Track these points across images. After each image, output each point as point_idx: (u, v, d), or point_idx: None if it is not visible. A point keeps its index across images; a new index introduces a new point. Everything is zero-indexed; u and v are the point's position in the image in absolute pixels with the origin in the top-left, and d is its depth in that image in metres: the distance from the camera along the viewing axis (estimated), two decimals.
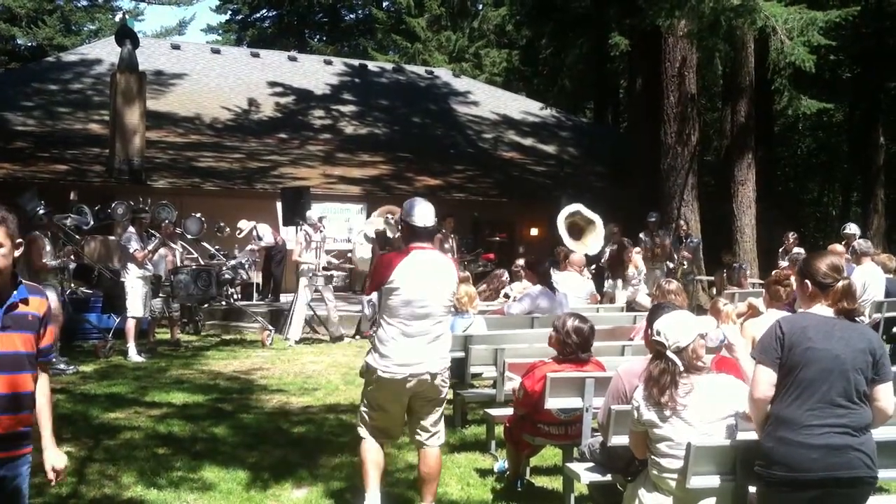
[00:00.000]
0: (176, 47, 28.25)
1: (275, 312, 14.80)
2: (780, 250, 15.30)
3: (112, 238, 15.42)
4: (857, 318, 3.95)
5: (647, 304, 8.64)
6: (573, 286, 10.33)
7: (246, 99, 25.05)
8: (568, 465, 5.65)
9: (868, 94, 27.44)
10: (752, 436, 4.05)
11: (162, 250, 12.29)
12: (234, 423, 8.00)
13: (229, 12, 49.06)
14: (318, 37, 48.39)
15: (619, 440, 4.79)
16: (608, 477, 5.16)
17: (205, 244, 14.43)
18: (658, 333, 4.29)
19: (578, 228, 14.37)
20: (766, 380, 3.88)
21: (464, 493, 6.11)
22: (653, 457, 4.23)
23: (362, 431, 5.36)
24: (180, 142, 21.66)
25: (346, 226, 18.87)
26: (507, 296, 11.57)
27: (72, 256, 11.48)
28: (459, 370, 7.33)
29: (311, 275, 13.34)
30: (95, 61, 24.82)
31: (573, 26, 25.31)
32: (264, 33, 46.64)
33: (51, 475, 3.78)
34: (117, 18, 41.87)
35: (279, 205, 16.34)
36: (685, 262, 15.34)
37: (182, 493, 5.90)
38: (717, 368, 4.67)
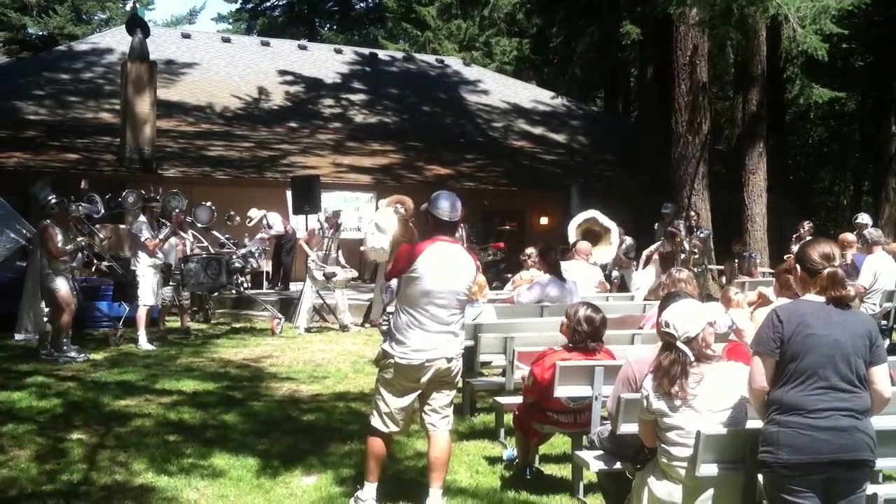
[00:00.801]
0: (186, 36, 28.28)
1: (284, 301, 14.84)
2: (794, 237, 15.24)
3: (123, 227, 15.46)
4: (849, 305, 3.94)
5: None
6: (581, 274, 10.29)
7: (256, 88, 25.07)
8: (577, 453, 5.65)
9: (881, 83, 27.25)
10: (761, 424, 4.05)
11: (172, 239, 12.32)
12: (244, 411, 8.03)
13: (240, 1, 49.04)
14: (328, 25, 48.36)
15: (628, 428, 4.79)
16: (617, 465, 5.16)
17: (215, 233, 14.45)
18: (667, 324, 4.28)
19: (594, 234, 14.30)
20: (763, 371, 3.90)
21: (473, 481, 6.12)
22: (662, 445, 4.23)
23: (374, 420, 5.38)
24: (191, 131, 21.69)
25: (356, 215, 18.87)
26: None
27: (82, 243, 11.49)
28: (469, 358, 7.32)
29: (317, 268, 13.39)
30: (106, 50, 24.87)
31: (584, 15, 25.15)
32: (274, 22, 46.63)
33: None
34: (128, 7, 41.97)
35: (289, 194, 16.37)
36: (696, 252, 15.29)
37: (192, 480, 5.93)
38: (728, 356, 4.66)
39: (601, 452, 5.34)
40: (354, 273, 14.08)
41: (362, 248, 13.80)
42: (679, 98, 18.29)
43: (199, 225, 14.19)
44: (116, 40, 24.75)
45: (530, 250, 11.82)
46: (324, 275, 13.38)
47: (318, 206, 15.04)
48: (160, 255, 11.97)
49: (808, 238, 14.00)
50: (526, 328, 8.01)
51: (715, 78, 26.32)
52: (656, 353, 4.51)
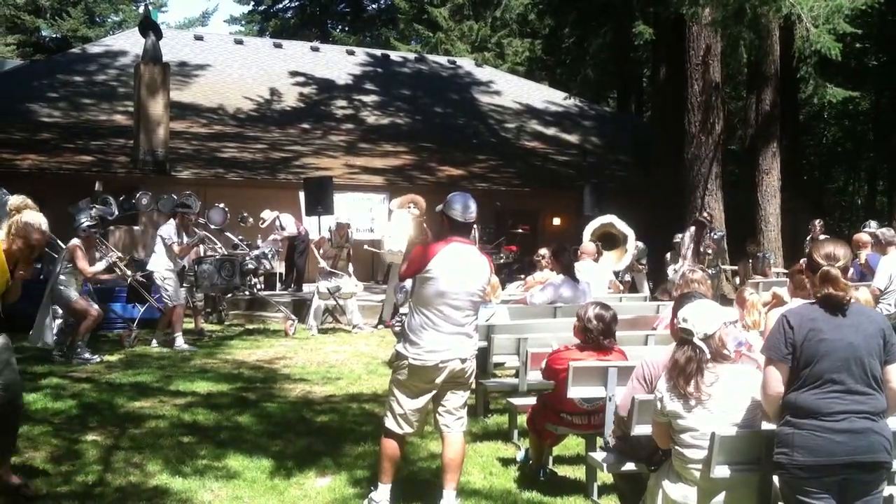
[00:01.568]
0: (199, 38, 28.38)
1: (297, 302, 14.87)
2: (808, 239, 15.17)
3: (136, 228, 15.53)
4: (843, 305, 3.91)
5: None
6: (592, 275, 10.27)
7: (268, 89, 25.13)
8: (591, 454, 5.65)
9: (895, 82, 27.14)
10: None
11: (165, 226, 12.18)
12: (257, 412, 8.04)
13: (252, 3, 49.19)
14: (340, 27, 48.46)
15: (642, 430, 4.78)
16: (631, 466, 5.15)
17: (228, 234, 14.49)
18: (684, 321, 4.27)
19: (611, 237, 14.25)
20: (775, 377, 3.89)
21: (486, 483, 6.11)
22: (676, 447, 4.22)
23: (388, 421, 5.38)
24: (204, 132, 21.76)
25: (368, 216, 18.89)
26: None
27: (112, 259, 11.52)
28: (482, 360, 7.31)
29: (323, 278, 13.44)
30: (120, 52, 24.97)
31: (596, 15, 25.17)
32: (287, 24, 46.76)
33: None
34: (141, 10, 42.13)
35: (302, 195, 16.40)
36: (710, 253, 15.24)
37: (207, 481, 5.94)
38: (739, 357, 4.65)
39: (615, 454, 5.34)
40: (360, 287, 14.04)
41: (377, 251, 13.85)
42: (692, 98, 18.22)
43: (212, 226, 14.23)
44: (130, 42, 24.85)
45: (543, 251, 11.81)
46: (327, 290, 13.37)
47: (331, 207, 15.07)
48: (182, 260, 12.04)
49: (821, 237, 13.98)
50: (539, 329, 8.00)
51: (728, 78, 26.24)
52: (671, 353, 4.51)
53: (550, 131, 26.92)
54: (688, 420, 4.14)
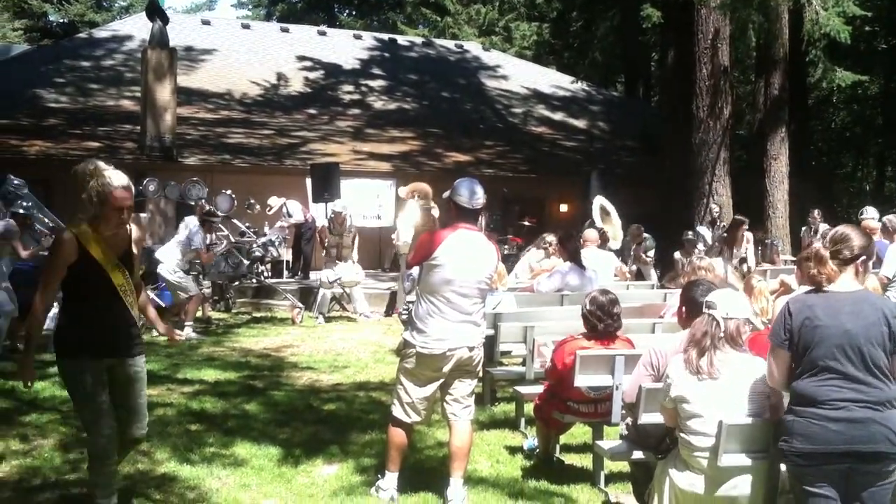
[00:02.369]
0: (206, 23, 28.33)
1: (305, 290, 14.87)
2: (804, 229, 15.07)
3: (144, 215, 15.53)
4: (856, 285, 3.90)
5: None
6: (597, 262, 10.23)
7: (275, 74, 25.09)
8: (598, 442, 5.65)
9: None
10: None
11: (194, 227, 12.20)
12: (265, 400, 8.06)
13: None
14: (347, 11, 48.27)
15: (649, 418, 4.78)
16: (639, 454, 5.15)
17: (235, 221, 14.50)
18: (711, 299, 4.34)
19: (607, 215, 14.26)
20: (777, 362, 3.93)
21: (493, 471, 6.12)
22: (682, 435, 4.22)
23: (395, 410, 5.38)
24: (210, 118, 21.74)
25: (376, 202, 18.89)
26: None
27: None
28: (489, 348, 7.31)
29: (325, 266, 13.45)
30: (127, 37, 24.94)
31: None
32: (294, 8, 46.61)
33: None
34: None
35: (308, 181, 16.37)
36: (718, 245, 15.19)
37: (214, 469, 5.96)
38: (749, 346, 4.64)
39: (622, 442, 5.34)
40: (362, 275, 14.01)
41: (394, 240, 13.84)
42: (700, 82, 18.12)
43: (219, 213, 14.23)
44: (137, 27, 24.81)
45: (550, 238, 11.76)
46: (328, 280, 13.37)
47: (338, 193, 15.05)
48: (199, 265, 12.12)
49: (822, 226, 13.88)
50: (546, 317, 7.99)
51: (736, 62, 26.12)
52: (679, 342, 4.51)
53: (558, 116, 26.84)
54: (693, 405, 4.14)
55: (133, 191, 4.71)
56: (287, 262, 17.56)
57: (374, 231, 18.37)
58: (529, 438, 6.60)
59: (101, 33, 26.35)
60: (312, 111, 23.61)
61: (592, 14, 26.55)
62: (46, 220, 11.95)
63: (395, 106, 25.24)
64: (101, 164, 4.62)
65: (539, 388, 6.56)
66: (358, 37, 29.89)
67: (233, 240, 13.90)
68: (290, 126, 22.22)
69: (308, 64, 26.25)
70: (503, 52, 33.24)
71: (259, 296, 14.85)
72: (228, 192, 14.13)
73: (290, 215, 17.11)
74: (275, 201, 16.96)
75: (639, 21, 23.84)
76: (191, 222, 12.05)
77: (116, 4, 44.42)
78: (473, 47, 31.43)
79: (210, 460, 6.16)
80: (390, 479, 5.38)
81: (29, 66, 22.79)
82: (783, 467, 4.12)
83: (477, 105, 26.54)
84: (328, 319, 13.30)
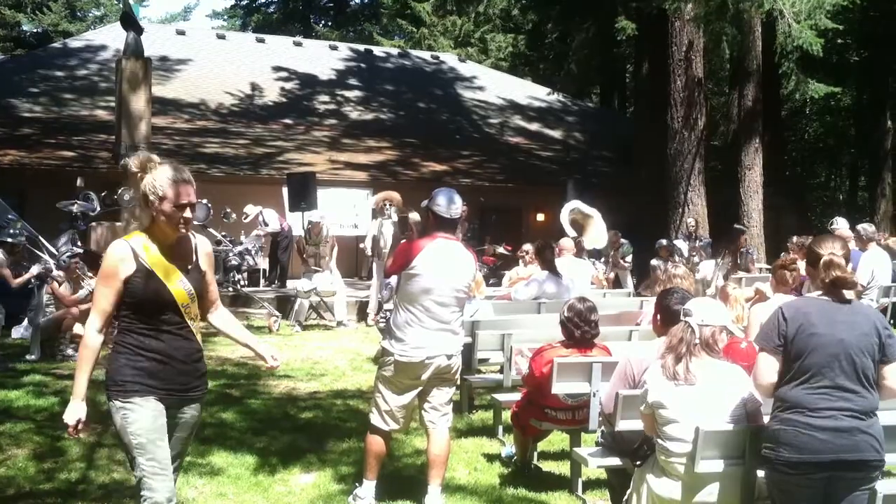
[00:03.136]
0: (181, 33, 28.25)
1: (281, 298, 14.82)
2: (728, 252, 14.86)
3: (119, 224, 15.41)
4: (850, 290, 3.95)
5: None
6: (573, 271, 10.28)
7: (251, 84, 25.03)
8: (575, 449, 5.67)
9: (876, 78, 27.31)
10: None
11: None
12: (242, 409, 8.02)
13: None
14: (323, 22, 48.30)
15: (627, 425, 4.80)
16: (616, 461, 5.17)
17: (211, 230, 14.42)
18: (688, 307, 4.35)
19: (579, 225, 14.32)
20: (767, 367, 3.92)
21: (471, 478, 6.12)
22: (660, 441, 4.24)
23: (374, 418, 5.37)
24: (186, 128, 21.66)
25: (353, 211, 18.86)
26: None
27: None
28: (466, 356, 7.31)
29: (304, 275, 13.42)
30: (101, 47, 24.84)
31: (579, 10, 25.12)
32: (269, 19, 46.58)
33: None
34: (122, 4, 41.87)
35: (285, 190, 16.33)
36: (697, 259, 15.27)
37: (191, 478, 5.92)
38: (724, 353, 4.67)
39: (600, 449, 5.36)
40: (341, 284, 13.96)
41: (361, 246, 13.83)
42: (675, 94, 18.28)
43: (195, 222, 14.15)
44: (111, 37, 24.68)
45: (527, 247, 11.82)
46: (305, 291, 13.35)
47: (315, 203, 15.01)
48: None
49: (799, 239, 13.92)
50: (523, 325, 8.01)
51: (710, 73, 26.35)
52: (655, 351, 4.53)
53: (534, 127, 26.96)
54: (670, 411, 4.16)
55: (195, 187, 3.86)
56: (264, 270, 17.50)
57: (350, 240, 18.35)
58: (507, 446, 6.61)
59: (75, 43, 26.22)
60: (288, 121, 23.57)
61: (568, 26, 26.62)
62: (44, 243, 11.87)
63: (372, 116, 25.25)
64: (156, 156, 3.90)
65: (517, 396, 6.58)
66: (334, 48, 29.90)
67: None
68: (266, 136, 22.17)
69: (284, 74, 26.22)
70: (479, 63, 33.35)
71: (236, 304, 14.75)
72: (204, 201, 14.07)
73: (266, 224, 17.06)
74: (251, 210, 16.91)
75: (614, 33, 23.94)
76: None
77: (91, 14, 44.20)
78: (449, 58, 31.52)
79: (186, 469, 6.09)
80: (368, 488, 5.37)
81: (2, 75, 22.63)
82: (760, 473, 4.15)
83: (453, 115, 26.60)
84: (305, 328, 13.26)
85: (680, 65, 18.22)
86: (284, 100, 24.87)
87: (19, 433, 6.88)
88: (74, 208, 13.46)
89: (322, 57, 28.25)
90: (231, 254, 13.66)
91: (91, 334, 3.88)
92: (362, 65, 28.48)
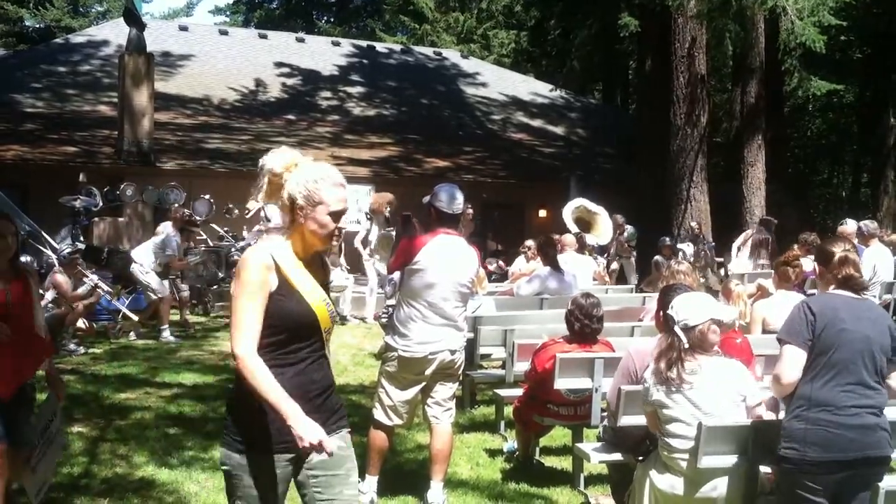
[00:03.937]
0: (184, 28, 28.21)
1: None
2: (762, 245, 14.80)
3: (121, 220, 15.46)
4: (864, 287, 3.96)
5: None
6: (575, 267, 10.28)
7: (253, 80, 25.00)
8: (577, 445, 5.67)
9: (879, 75, 27.26)
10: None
11: (171, 231, 12.20)
12: None
13: None
14: (325, 18, 48.25)
15: (629, 420, 4.80)
16: (618, 456, 5.17)
17: (213, 226, 14.42)
18: (672, 308, 4.29)
19: (584, 222, 14.32)
20: (795, 362, 3.85)
21: (473, 473, 6.12)
22: (663, 438, 4.24)
23: (377, 413, 5.39)
24: (188, 123, 21.64)
25: (355, 208, 18.85)
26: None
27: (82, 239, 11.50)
28: (469, 351, 7.31)
29: None
30: (103, 42, 24.80)
31: (582, 7, 25.11)
32: (272, 14, 46.51)
33: None
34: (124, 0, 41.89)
35: None
36: (702, 259, 15.26)
37: (193, 473, 5.93)
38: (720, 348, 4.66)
39: (602, 444, 5.36)
40: (351, 279, 13.97)
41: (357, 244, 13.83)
42: (677, 90, 18.23)
43: (197, 218, 14.19)
44: (114, 33, 24.65)
45: (530, 242, 11.84)
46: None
47: None
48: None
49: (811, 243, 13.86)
50: (525, 320, 8.01)
51: (713, 70, 26.29)
52: (657, 343, 4.53)
53: (536, 123, 26.93)
54: (672, 410, 4.16)
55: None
56: None
57: (353, 236, 18.33)
58: (509, 441, 6.62)
59: (77, 38, 26.19)
60: (291, 117, 23.56)
61: (570, 22, 26.58)
62: (24, 226, 11.83)
63: (374, 112, 25.23)
64: (299, 153, 3.31)
65: (519, 391, 6.58)
66: (336, 43, 29.86)
67: (211, 244, 13.84)
68: (269, 132, 22.15)
69: (286, 70, 26.19)
70: (481, 59, 33.32)
71: None
72: (207, 196, 14.08)
73: (268, 219, 17.03)
74: (253, 204, 16.85)
75: (616, 30, 23.92)
76: (167, 228, 12.02)
77: (93, 10, 44.17)
78: (452, 55, 31.48)
79: (189, 464, 6.13)
80: (370, 483, 5.38)
81: (5, 71, 22.60)
82: (763, 469, 4.15)
83: (456, 112, 26.58)
84: None
85: (683, 61, 18.17)
86: (287, 96, 24.86)
87: None
88: (77, 203, 13.46)
89: (324, 53, 28.22)
90: (233, 249, 13.65)
91: (254, 362, 3.02)
92: (365, 61, 28.45)
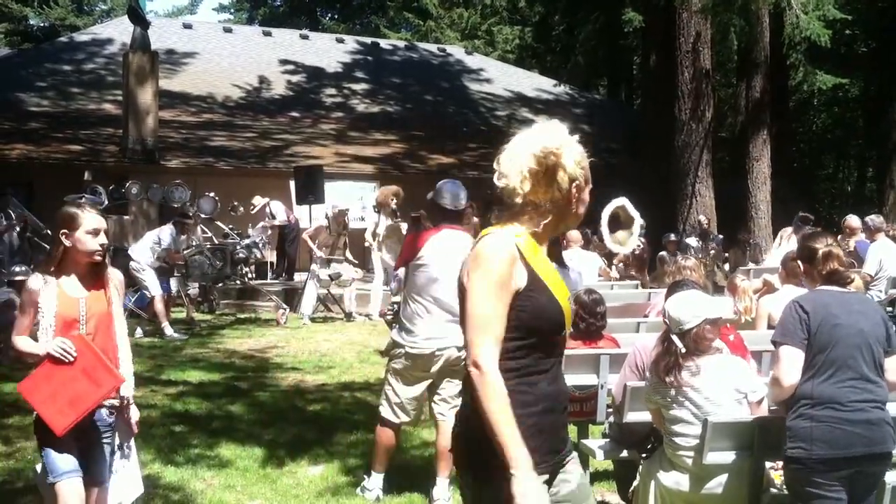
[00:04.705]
0: (188, 26, 28.22)
1: (289, 291, 14.83)
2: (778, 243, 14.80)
3: (126, 217, 15.47)
4: (849, 281, 3.94)
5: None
6: (580, 263, 10.27)
7: (258, 77, 25.01)
8: (583, 441, 5.65)
9: (884, 69, 27.19)
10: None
11: (166, 227, 12.19)
12: (249, 401, 8.04)
13: None
14: (329, 15, 48.26)
15: (635, 416, 4.79)
16: (624, 453, 5.17)
17: (219, 223, 14.43)
18: (666, 313, 4.28)
19: (618, 221, 14.20)
20: (793, 363, 3.82)
21: None
22: (667, 435, 4.23)
23: (384, 410, 5.38)
24: (193, 121, 21.66)
25: (359, 204, 18.87)
26: None
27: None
28: None
29: (321, 267, 13.39)
30: (108, 41, 24.81)
31: (586, 2, 25.14)
32: (276, 12, 46.54)
33: None
34: None
35: (292, 183, 16.35)
36: (711, 254, 15.22)
37: (199, 471, 5.94)
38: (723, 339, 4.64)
39: (607, 441, 5.35)
40: (360, 273, 14.01)
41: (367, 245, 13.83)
42: (682, 85, 18.23)
43: (202, 216, 14.20)
44: (118, 31, 24.67)
45: None
46: (329, 276, 13.37)
47: (322, 196, 15.02)
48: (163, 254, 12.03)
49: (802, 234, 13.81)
50: None
51: (718, 65, 26.26)
52: (655, 343, 4.53)
53: (541, 119, 26.74)
54: (674, 411, 4.15)
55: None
56: (271, 263, 17.52)
57: (358, 232, 18.36)
58: None
59: (82, 37, 26.21)
60: (295, 114, 23.57)
61: (574, 18, 26.62)
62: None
63: (379, 109, 25.22)
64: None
65: None
66: (340, 40, 29.86)
67: (216, 241, 13.85)
68: (273, 129, 22.17)
69: (291, 67, 26.19)
70: (486, 55, 33.29)
71: (243, 297, 14.80)
72: (211, 194, 14.09)
73: (273, 216, 17.07)
74: (258, 200, 16.92)
75: (621, 25, 23.91)
76: (163, 230, 12.07)
77: (97, 8, 44.23)
78: (456, 51, 31.45)
79: (195, 461, 6.14)
80: (376, 480, 5.38)
81: (10, 70, 22.62)
82: (767, 464, 4.14)
83: (460, 108, 26.55)
84: (313, 320, 13.27)
85: (687, 56, 18.17)
86: (291, 93, 24.86)
87: (27, 426, 6.86)
88: (82, 202, 13.46)
89: (329, 50, 28.21)
90: (238, 247, 13.66)
91: (497, 378, 2.53)
92: (369, 58, 28.43)
